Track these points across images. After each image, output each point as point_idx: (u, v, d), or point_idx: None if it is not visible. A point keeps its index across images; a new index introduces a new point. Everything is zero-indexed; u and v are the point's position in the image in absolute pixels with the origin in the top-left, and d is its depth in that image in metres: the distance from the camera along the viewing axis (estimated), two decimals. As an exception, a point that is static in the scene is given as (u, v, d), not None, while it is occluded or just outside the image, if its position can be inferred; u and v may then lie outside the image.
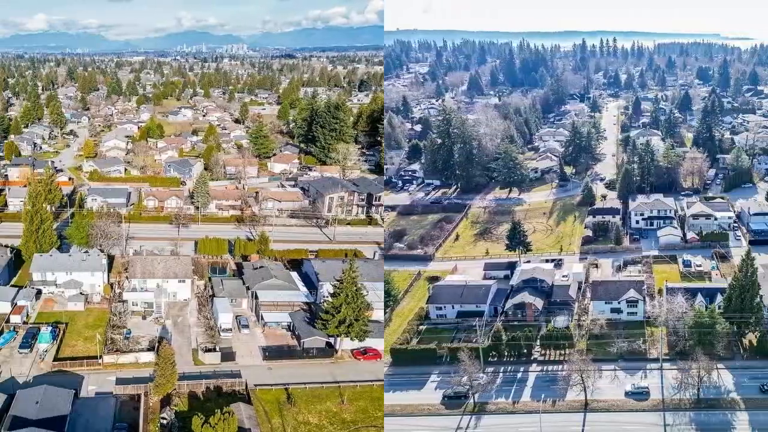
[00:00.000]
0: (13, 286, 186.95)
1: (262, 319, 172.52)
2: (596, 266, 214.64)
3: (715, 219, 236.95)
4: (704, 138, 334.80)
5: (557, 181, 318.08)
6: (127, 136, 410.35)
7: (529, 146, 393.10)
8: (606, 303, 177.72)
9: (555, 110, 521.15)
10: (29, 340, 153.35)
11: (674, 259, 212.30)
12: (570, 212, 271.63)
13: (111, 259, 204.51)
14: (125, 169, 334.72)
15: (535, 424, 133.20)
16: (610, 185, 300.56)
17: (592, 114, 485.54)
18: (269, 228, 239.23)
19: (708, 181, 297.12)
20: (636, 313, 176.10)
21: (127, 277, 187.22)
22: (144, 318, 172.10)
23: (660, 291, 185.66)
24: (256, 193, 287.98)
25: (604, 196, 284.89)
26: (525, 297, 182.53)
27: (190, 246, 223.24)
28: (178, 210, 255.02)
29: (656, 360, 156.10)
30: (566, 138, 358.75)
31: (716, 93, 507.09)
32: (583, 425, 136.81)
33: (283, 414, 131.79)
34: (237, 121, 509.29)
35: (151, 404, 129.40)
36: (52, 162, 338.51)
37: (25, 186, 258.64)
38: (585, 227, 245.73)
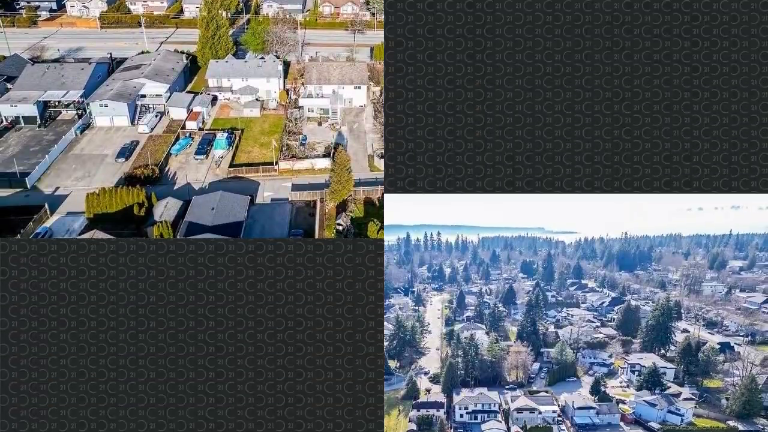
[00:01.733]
0: (188, 92, 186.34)
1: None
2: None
3: (539, 413, 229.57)
4: (528, 332, 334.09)
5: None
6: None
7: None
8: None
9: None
10: (205, 147, 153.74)
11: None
12: (394, 406, 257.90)
13: (287, 65, 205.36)
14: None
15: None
16: (434, 379, 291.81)
17: (417, 308, 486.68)
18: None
19: (532, 375, 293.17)
20: None
21: (302, 84, 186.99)
22: (320, 124, 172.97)
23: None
24: None
25: (428, 390, 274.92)
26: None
27: (366, 52, 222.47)
28: (354, 16, 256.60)
29: None
30: (390, 332, 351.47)
31: (540, 287, 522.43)
32: None
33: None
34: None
35: (326, 210, 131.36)
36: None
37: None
38: (409, 421, 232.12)
